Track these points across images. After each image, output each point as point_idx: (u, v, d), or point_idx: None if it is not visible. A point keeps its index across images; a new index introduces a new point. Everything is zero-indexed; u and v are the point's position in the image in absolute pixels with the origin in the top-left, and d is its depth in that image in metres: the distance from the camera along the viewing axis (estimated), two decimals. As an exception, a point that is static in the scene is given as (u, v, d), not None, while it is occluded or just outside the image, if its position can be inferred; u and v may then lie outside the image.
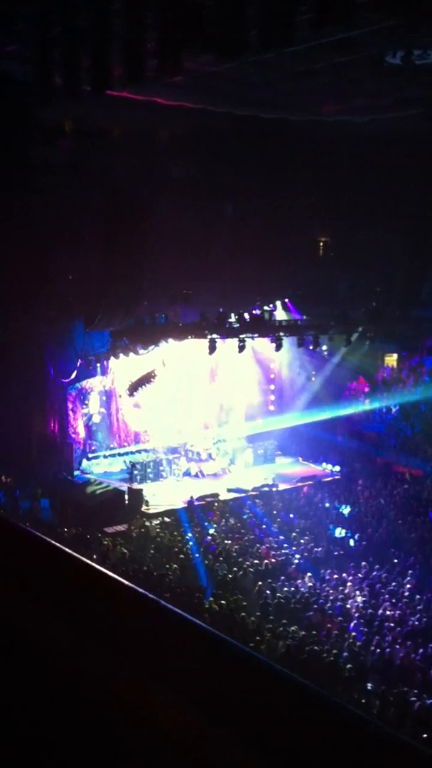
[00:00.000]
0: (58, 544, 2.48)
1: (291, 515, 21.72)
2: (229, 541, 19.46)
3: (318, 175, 26.99)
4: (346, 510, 22.27)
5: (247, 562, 17.94)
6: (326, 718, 1.83)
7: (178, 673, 1.96)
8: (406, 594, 16.86)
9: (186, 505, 21.79)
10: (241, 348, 25.06)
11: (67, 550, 2.45)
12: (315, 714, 1.84)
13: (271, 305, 27.76)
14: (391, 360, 30.39)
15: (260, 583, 16.84)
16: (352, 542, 19.99)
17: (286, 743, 1.78)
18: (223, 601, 15.49)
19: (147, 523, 20.44)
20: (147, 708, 1.91)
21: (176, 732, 1.85)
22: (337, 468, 26.27)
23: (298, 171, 26.73)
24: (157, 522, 20.72)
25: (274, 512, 22.07)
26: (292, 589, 16.97)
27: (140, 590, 2.24)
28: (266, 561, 18.15)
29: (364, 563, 18.38)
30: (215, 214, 26.85)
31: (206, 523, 20.79)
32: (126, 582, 2.29)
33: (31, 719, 1.96)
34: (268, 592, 16.43)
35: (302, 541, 19.71)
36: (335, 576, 17.72)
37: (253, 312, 26.64)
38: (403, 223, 28.40)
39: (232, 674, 1.97)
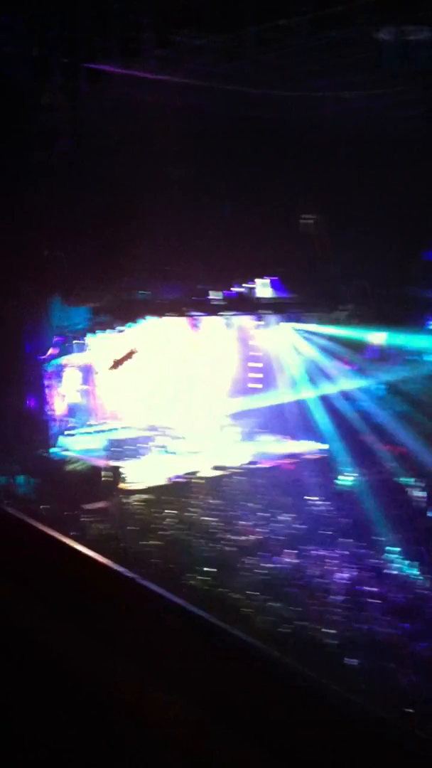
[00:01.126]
0: (37, 523, 2.07)
1: (273, 492, 21.52)
2: (211, 518, 19.26)
3: (307, 151, 26.56)
4: (330, 488, 22.01)
5: (229, 539, 17.77)
6: (320, 703, 1.47)
7: (166, 655, 1.58)
8: (391, 571, 16.75)
9: (167, 482, 21.50)
10: (225, 326, 24.75)
11: (53, 532, 2.04)
12: (318, 705, 1.47)
13: (255, 282, 27.34)
14: (379, 339, 30.12)
15: (242, 559, 16.66)
16: (335, 518, 19.82)
17: (280, 730, 1.41)
18: (203, 578, 15.35)
19: (126, 500, 20.15)
20: (147, 704, 1.53)
21: (167, 721, 1.47)
22: (322, 446, 26.03)
23: (286, 147, 26.28)
24: (138, 498, 20.44)
25: (257, 489, 21.86)
26: (275, 565, 16.76)
27: (124, 571, 1.84)
28: (247, 538, 17.99)
29: (347, 539, 18.27)
30: (213, 214, 26.49)
31: (187, 500, 20.47)
32: (108, 561, 1.88)
33: (29, 713, 1.57)
34: (248, 568, 16.28)
35: (284, 517, 19.54)
36: (317, 552, 17.57)
37: (237, 289, 26.25)
38: (393, 201, 28.05)
39: (236, 666, 1.59)
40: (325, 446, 25.90)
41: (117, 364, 23.92)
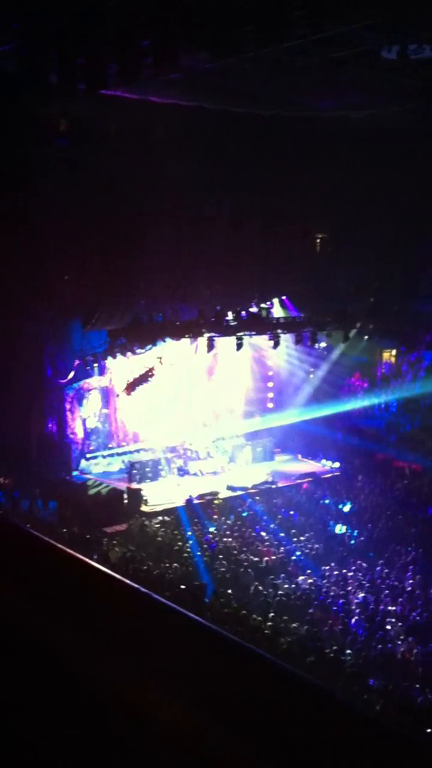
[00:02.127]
0: (59, 545, 2.47)
1: (291, 512, 21.72)
2: (229, 539, 19.47)
3: (315, 171, 26.95)
4: (346, 507, 22.28)
5: (248, 560, 17.95)
6: (332, 716, 1.83)
7: (182, 671, 1.96)
8: (407, 589, 16.92)
9: (185, 504, 21.78)
10: (239, 346, 25.02)
11: (69, 551, 2.44)
12: (320, 712, 1.83)
13: (268, 302, 27.72)
14: (390, 355, 30.38)
15: (260, 580, 16.83)
16: (352, 539, 20.00)
17: (290, 741, 1.78)
18: (223, 599, 15.49)
19: (146, 523, 20.40)
20: (147, 707, 1.91)
21: (176, 731, 1.85)
22: (337, 464, 26.28)
23: (295, 168, 26.71)
24: (157, 521, 20.70)
25: (274, 510, 22.09)
26: (293, 586, 16.95)
27: (143, 589, 2.24)
28: (266, 558, 18.17)
29: (364, 559, 18.41)
30: (212, 212, 26.82)
31: (206, 521, 20.79)
32: (129, 582, 2.28)
33: (30, 718, 1.95)
34: (269, 589, 16.46)
35: (302, 538, 19.71)
36: (336, 572, 17.75)
37: (251, 309, 26.58)
38: (401, 217, 28.39)
39: (237, 672, 1.96)
40: (337, 465, 26.19)
41: (131, 386, 24.19)
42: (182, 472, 24.60)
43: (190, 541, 19.19)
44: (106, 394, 25.19)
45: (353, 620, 15.26)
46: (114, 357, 23.68)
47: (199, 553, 18.42)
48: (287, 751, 1.76)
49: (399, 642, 14.54)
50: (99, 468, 24.43)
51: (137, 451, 25.40)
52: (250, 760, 1.74)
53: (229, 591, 16.16)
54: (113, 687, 1.93)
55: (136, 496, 21.58)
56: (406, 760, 1.77)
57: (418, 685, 13.11)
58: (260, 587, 16.55)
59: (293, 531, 20.20)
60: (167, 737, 1.81)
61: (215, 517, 21.39)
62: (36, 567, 2.39)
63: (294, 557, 18.54)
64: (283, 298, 28.50)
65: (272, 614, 15.22)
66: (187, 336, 24.46)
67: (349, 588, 16.94)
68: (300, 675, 1.96)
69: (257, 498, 22.98)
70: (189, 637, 2.07)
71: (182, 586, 15.96)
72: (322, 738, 1.77)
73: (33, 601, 2.20)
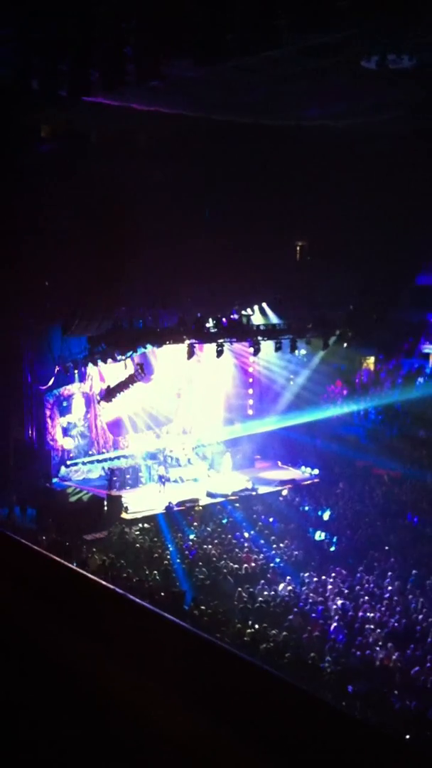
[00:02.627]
0: (49, 554, 2.47)
1: (270, 519, 21.73)
2: (209, 546, 19.45)
3: (296, 179, 27.12)
4: (325, 513, 22.34)
5: (227, 567, 17.93)
6: (317, 716, 1.85)
7: (173, 675, 1.96)
8: (386, 596, 16.99)
9: (165, 511, 21.74)
10: (219, 353, 25.05)
11: (65, 563, 2.44)
12: (308, 713, 1.85)
13: (248, 310, 27.82)
14: (369, 363, 30.56)
15: (240, 587, 16.82)
16: (332, 546, 20.07)
17: (281, 742, 1.79)
18: (203, 606, 15.47)
19: (126, 530, 20.34)
20: (144, 708, 1.91)
21: (175, 731, 1.86)
22: (316, 471, 26.37)
23: (276, 176, 26.85)
24: (137, 528, 20.64)
25: (254, 516, 22.10)
26: (272, 592, 16.96)
27: (127, 595, 2.25)
28: (246, 565, 18.16)
29: (343, 566, 18.47)
30: (194, 219, 26.89)
31: (186, 529, 20.75)
32: (115, 588, 2.29)
33: (31, 720, 1.96)
34: (248, 596, 16.45)
35: (282, 544, 19.74)
36: (315, 579, 17.79)
37: (231, 316, 26.63)
38: (381, 226, 28.63)
39: (225, 676, 1.97)
40: (317, 471, 26.28)
41: (111, 394, 24.11)
42: (162, 479, 24.53)
43: (170, 548, 19.15)
44: (87, 401, 25.07)
45: (332, 627, 15.31)
46: (95, 364, 23.57)
47: (178, 561, 18.40)
48: (282, 750, 1.77)
49: (378, 648, 14.59)
50: (79, 475, 24.32)
51: (117, 458, 25.31)
52: (246, 759, 1.75)
53: (209, 598, 16.18)
54: (111, 688, 1.94)
55: (116, 503, 21.50)
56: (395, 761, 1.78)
57: (396, 692, 13.18)
58: (240, 594, 16.54)
59: (273, 538, 20.20)
60: (166, 737, 1.82)
61: (195, 524, 21.36)
62: (37, 578, 2.39)
63: (273, 564, 18.53)
64: (264, 305, 28.57)
65: (251, 621, 15.26)
66: (168, 343, 24.42)
67: (329, 594, 16.97)
68: (290, 681, 1.98)
69: (237, 505, 22.98)
70: (184, 644, 2.08)
71: (162, 594, 15.95)
72: (315, 738, 1.78)
73: (33, 608, 2.21)
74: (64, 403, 24.36)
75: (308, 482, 25.65)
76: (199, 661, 2.02)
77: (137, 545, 19.29)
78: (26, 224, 22.70)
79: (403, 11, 13.24)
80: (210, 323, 25.53)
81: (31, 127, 22.91)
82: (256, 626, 15.02)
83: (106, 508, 21.30)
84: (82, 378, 24.24)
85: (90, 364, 23.62)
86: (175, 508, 21.93)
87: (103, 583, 2.31)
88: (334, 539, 20.33)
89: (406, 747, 1.85)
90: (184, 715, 1.86)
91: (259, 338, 26.14)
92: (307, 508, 22.85)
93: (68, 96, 14.05)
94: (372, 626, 15.42)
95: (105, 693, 1.99)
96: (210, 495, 23.47)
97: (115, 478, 23.41)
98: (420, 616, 16.00)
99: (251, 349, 26.18)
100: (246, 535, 20.52)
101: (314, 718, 1.83)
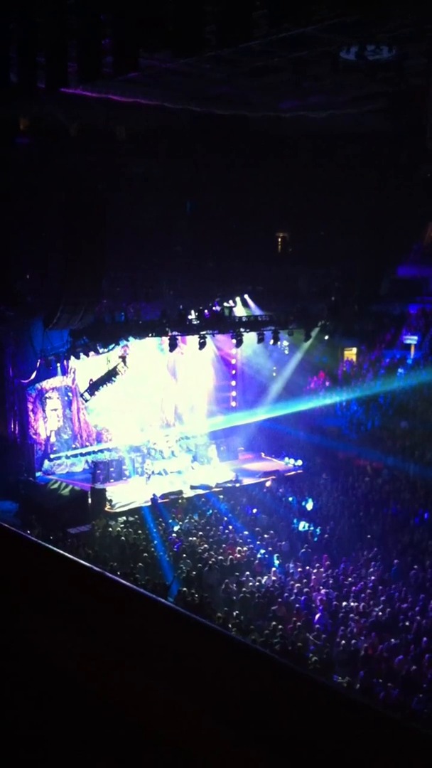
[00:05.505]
0: (51, 546, 2.47)
1: (254, 510, 21.81)
2: (194, 538, 19.49)
3: (277, 171, 27.15)
4: (308, 504, 22.45)
5: (212, 558, 17.96)
6: (320, 701, 1.85)
7: (180, 669, 1.97)
8: (370, 586, 17.11)
9: (150, 504, 21.73)
10: (202, 345, 25.05)
11: (59, 551, 2.43)
12: (319, 707, 1.85)
13: (231, 302, 27.85)
14: (351, 354, 30.68)
15: (225, 579, 16.90)
16: (315, 537, 20.16)
17: (283, 730, 1.80)
18: (188, 598, 15.52)
19: (111, 523, 20.33)
20: (143, 703, 1.92)
21: (174, 730, 1.86)
22: (299, 462, 26.46)
23: (257, 167, 26.87)
24: (121, 521, 20.64)
25: (238, 508, 22.18)
26: (257, 583, 17.03)
27: (138, 589, 2.25)
28: (231, 556, 18.21)
29: (327, 556, 18.57)
30: (175, 210, 26.87)
31: (170, 521, 20.76)
32: (123, 581, 2.30)
33: (30, 719, 1.96)
34: (233, 587, 16.53)
35: (266, 535, 19.81)
36: (299, 569, 17.89)
37: (214, 308, 26.64)
38: (362, 218, 28.73)
39: (233, 667, 1.97)
40: (300, 463, 26.38)
41: (94, 386, 24.04)
42: (147, 471, 24.47)
43: (155, 541, 19.16)
44: (70, 394, 24.96)
45: (316, 617, 15.40)
46: (77, 357, 23.49)
47: (163, 553, 18.42)
48: (285, 747, 1.77)
49: (362, 638, 14.70)
50: (62, 469, 24.24)
51: (101, 451, 25.26)
52: (247, 757, 1.75)
53: (194, 590, 16.23)
54: (110, 686, 1.94)
55: (100, 497, 21.45)
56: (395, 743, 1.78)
57: (380, 681, 13.29)
58: (225, 585, 16.61)
59: (257, 529, 20.28)
60: (165, 736, 1.82)
61: (180, 516, 21.38)
62: (30, 569, 2.39)
63: (259, 555, 18.60)
64: (246, 297, 28.60)
65: (236, 612, 15.33)
66: (150, 335, 24.39)
67: (313, 585, 17.07)
68: (297, 669, 1.99)
69: (221, 497, 23.02)
70: (185, 634, 2.09)
71: (147, 586, 15.96)
72: (321, 734, 1.79)
73: (27, 603, 2.21)
74: (47, 397, 24.23)
75: (292, 473, 25.74)
76: (196, 645, 2.03)
77: (122, 538, 19.27)
78: (6, 218, 22.59)
79: (381, 2, 13.27)
80: (192, 315, 25.54)
81: (9, 120, 22.75)
82: (241, 617, 15.10)
83: (90, 501, 21.25)
84: (65, 371, 24.14)
85: (72, 358, 23.53)
86: (160, 501, 21.91)
87: (96, 569, 2.32)
88: (318, 530, 20.39)
89: (411, 731, 1.86)
90: (180, 704, 1.87)
91: (242, 330, 26.18)
92: (291, 498, 22.92)
93: (46, 88, 13.98)
94: (356, 616, 15.51)
95: (99, 684, 1.99)
96: (194, 487, 23.49)
97: (98, 472, 23.37)
98: (405, 605, 16.11)
99: (234, 341, 26.20)
100: (230, 526, 20.55)
101: (325, 710, 1.83)
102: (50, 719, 1.95)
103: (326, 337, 29.29)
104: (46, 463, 23.89)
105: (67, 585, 2.31)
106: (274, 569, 17.77)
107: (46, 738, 1.90)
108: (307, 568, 18.01)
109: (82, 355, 23.33)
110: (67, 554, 2.44)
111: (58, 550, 2.47)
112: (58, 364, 23.44)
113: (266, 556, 18.62)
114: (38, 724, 1.93)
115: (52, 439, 24.46)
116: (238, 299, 28.37)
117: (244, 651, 2.07)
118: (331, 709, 1.83)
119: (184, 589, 16.26)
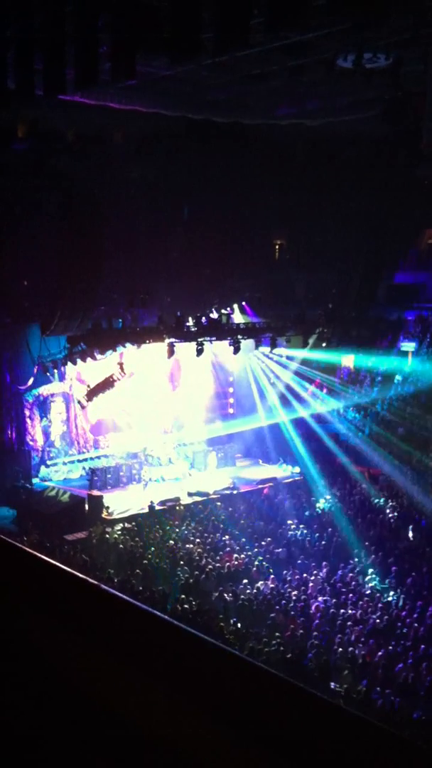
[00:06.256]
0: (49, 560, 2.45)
1: (252, 517, 21.74)
2: (191, 545, 19.41)
3: (273, 177, 27.18)
4: (306, 511, 22.38)
5: (210, 566, 17.91)
6: (315, 713, 1.85)
7: (166, 672, 1.96)
8: (367, 593, 17.06)
9: (147, 510, 21.67)
10: (200, 351, 24.99)
11: (60, 565, 2.42)
12: (306, 710, 1.85)
13: (228, 308, 27.83)
14: (348, 361, 30.65)
15: (222, 586, 16.84)
16: (313, 543, 20.10)
17: (283, 741, 1.79)
18: (186, 605, 15.46)
19: (108, 530, 20.26)
20: (143, 709, 1.91)
21: (171, 732, 1.85)
22: (297, 469, 26.40)
23: (253, 173, 26.89)
24: (119, 528, 20.57)
25: (236, 515, 22.10)
26: (255, 591, 16.98)
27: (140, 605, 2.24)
28: (228, 564, 18.15)
29: (325, 563, 18.53)
30: (172, 217, 26.87)
31: (168, 528, 20.68)
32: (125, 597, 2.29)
33: (30, 721, 1.95)
34: (230, 594, 16.47)
35: (263, 543, 19.75)
36: (297, 577, 17.83)
37: (211, 315, 26.62)
38: (358, 224, 28.76)
39: (230, 677, 1.97)
40: (298, 469, 26.32)
41: (92, 394, 23.99)
42: (144, 478, 24.41)
43: (152, 548, 19.08)
44: (67, 401, 24.93)
45: (314, 624, 15.34)
46: (74, 363, 23.44)
47: (160, 560, 18.34)
48: (282, 750, 1.77)
49: (360, 645, 14.65)
50: (59, 475, 24.19)
51: (98, 457, 25.21)
52: (249, 755, 1.75)
53: (191, 597, 16.16)
54: (109, 687, 1.94)
55: (98, 503, 21.39)
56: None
57: (378, 688, 13.25)
58: (222, 593, 16.55)
59: (255, 536, 20.21)
60: (164, 736, 1.81)
61: (177, 523, 21.30)
62: (32, 581, 2.38)
63: (256, 562, 18.53)
64: (243, 303, 28.60)
65: (234, 619, 15.27)
66: (147, 342, 24.32)
67: (310, 592, 17.01)
68: (287, 680, 1.99)
69: (219, 504, 22.95)
70: (179, 647, 2.08)
71: (144, 593, 15.91)
72: (315, 738, 1.79)
73: (31, 612, 2.20)
74: (44, 404, 24.18)
75: (289, 480, 25.69)
76: (193, 659, 2.02)
77: (119, 545, 19.20)
78: (2, 224, 22.57)
79: (379, 10, 13.28)
80: (190, 322, 25.50)
81: (7, 126, 22.76)
82: (239, 624, 15.05)
83: (87, 508, 21.20)
84: (62, 378, 24.10)
85: (69, 364, 23.48)
86: (157, 508, 21.86)
87: (93, 581, 2.31)
88: (315, 536, 20.33)
89: (408, 744, 1.86)
90: (179, 713, 1.86)
91: (239, 337, 26.12)
92: (287, 504, 22.87)
93: (44, 95, 13.98)
94: (353, 623, 15.47)
95: (98, 685, 1.98)
96: (191, 494, 23.43)
97: (96, 478, 23.32)
98: (404, 613, 16.06)
99: (231, 348, 26.12)
100: (228, 533, 20.48)
101: (313, 715, 1.83)
102: (50, 720, 1.94)
103: (324, 344, 29.25)
104: (44, 470, 23.85)
105: (65, 594, 2.30)
106: (271, 576, 17.68)
107: (45, 738, 1.89)
108: (305, 575, 17.95)
109: (78, 362, 23.27)
110: (62, 566, 2.43)
111: (54, 562, 2.45)
112: (56, 371, 23.39)
113: (264, 563, 18.51)
114: (38, 725, 1.92)
115: (57, 443, 24.41)
116: (235, 306, 28.37)
117: (234, 662, 2.06)
118: (323, 719, 1.84)
119: (182, 596, 16.19)
